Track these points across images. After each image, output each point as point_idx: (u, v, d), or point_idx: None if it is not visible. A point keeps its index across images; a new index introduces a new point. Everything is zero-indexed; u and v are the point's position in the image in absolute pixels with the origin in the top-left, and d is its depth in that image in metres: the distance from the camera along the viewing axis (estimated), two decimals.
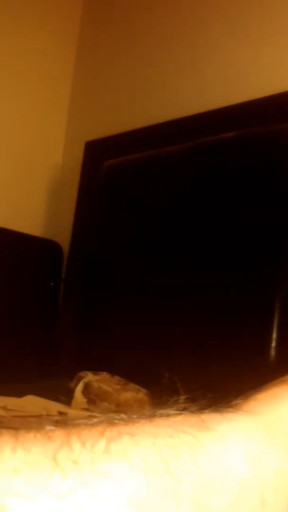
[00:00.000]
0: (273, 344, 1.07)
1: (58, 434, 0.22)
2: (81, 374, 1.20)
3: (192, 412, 0.25)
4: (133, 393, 1.12)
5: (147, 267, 1.40)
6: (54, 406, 1.12)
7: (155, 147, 1.50)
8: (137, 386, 1.15)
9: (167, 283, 1.34)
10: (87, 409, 1.12)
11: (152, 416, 0.24)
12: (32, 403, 1.14)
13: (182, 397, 0.27)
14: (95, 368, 1.25)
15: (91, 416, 0.24)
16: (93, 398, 1.13)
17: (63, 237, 1.80)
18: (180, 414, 0.25)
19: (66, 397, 1.15)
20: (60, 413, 1.07)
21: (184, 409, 0.26)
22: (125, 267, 1.46)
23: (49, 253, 1.79)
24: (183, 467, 0.22)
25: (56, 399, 1.17)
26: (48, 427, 0.22)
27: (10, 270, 1.65)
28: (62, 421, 0.23)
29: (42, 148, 1.93)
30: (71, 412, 1.09)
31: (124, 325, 1.41)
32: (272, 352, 1.07)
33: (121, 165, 1.58)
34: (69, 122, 1.99)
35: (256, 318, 1.13)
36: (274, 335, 1.08)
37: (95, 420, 0.24)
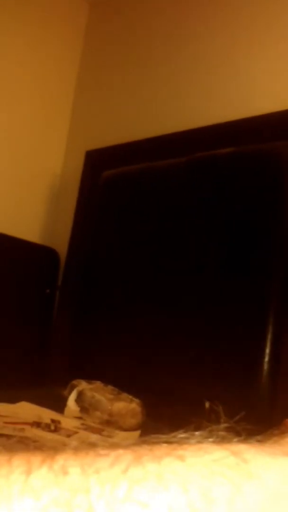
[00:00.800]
0: (266, 358, 1.08)
1: (75, 470, 0.19)
2: (74, 382, 1.20)
3: (232, 445, 0.21)
4: (126, 403, 1.13)
5: (142, 277, 1.41)
6: (47, 414, 1.12)
7: (154, 159, 1.52)
8: (130, 396, 1.16)
9: (161, 293, 1.35)
10: (79, 418, 1.13)
11: (184, 445, 0.21)
12: (25, 409, 1.14)
13: (223, 426, 0.23)
14: (89, 375, 1.25)
15: (116, 445, 0.20)
16: (86, 407, 1.13)
17: (60, 244, 1.81)
18: (218, 448, 0.21)
19: (59, 404, 1.15)
20: (53, 420, 1.08)
21: (223, 439, 0.22)
22: (121, 276, 1.47)
23: (46, 260, 1.80)
24: None
25: (49, 406, 1.17)
26: (62, 459, 0.19)
27: (6, 275, 1.66)
28: (82, 448, 0.20)
29: (43, 157, 1.95)
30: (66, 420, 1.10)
31: (118, 334, 1.42)
32: (265, 367, 1.08)
33: (119, 176, 1.59)
34: (70, 132, 2.00)
35: (249, 332, 1.14)
36: (268, 350, 1.09)
37: (120, 451, 0.20)
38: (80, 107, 1.99)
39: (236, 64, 1.53)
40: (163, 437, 0.21)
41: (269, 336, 1.11)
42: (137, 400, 1.14)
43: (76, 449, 0.20)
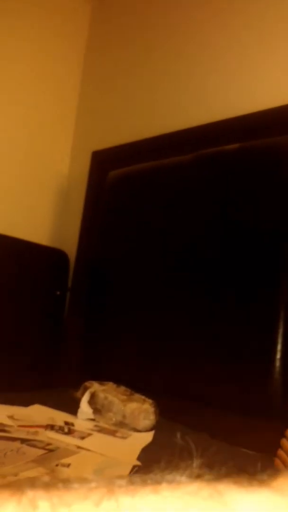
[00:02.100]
0: (278, 355, 1.07)
1: (44, 504, 0.18)
2: (87, 383, 1.20)
3: (208, 481, 0.21)
4: (139, 403, 1.12)
5: (151, 276, 1.40)
6: (60, 416, 1.13)
7: (159, 157, 1.51)
8: (142, 397, 1.16)
9: (171, 294, 1.34)
10: (93, 419, 1.13)
11: (159, 482, 0.20)
12: (38, 412, 1.15)
13: (197, 462, 0.22)
14: (101, 376, 1.25)
15: (88, 479, 0.20)
16: (99, 409, 1.13)
17: (69, 246, 1.81)
18: (193, 482, 0.21)
19: (72, 407, 1.15)
20: (67, 423, 1.08)
21: (198, 476, 0.21)
22: (130, 275, 1.47)
23: (56, 262, 1.80)
24: None
25: (62, 408, 1.18)
26: (32, 492, 0.19)
27: (17, 278, 1.66)
28: (53, 484, 0.19)
29: (49, 158, 1.95)
30: (77, 421, 1.10)
31: (130, 334, 1.42)
32: (277, 363, 1.07)
33: (125, 175, 1.59)
34: (76, 133, 2.00)
35: (260, 329, 1.13)
36: (279, 346, 1.08)
37: (92, 484, 0.20)
38: (85, 108, 1.99)
39: (239, 59, 1.52)
40: (137, 476, 0.21)
41: (280, 332, 1.10)
42: (150, 401, 1.14)
43: (47, 484, 0.19)
